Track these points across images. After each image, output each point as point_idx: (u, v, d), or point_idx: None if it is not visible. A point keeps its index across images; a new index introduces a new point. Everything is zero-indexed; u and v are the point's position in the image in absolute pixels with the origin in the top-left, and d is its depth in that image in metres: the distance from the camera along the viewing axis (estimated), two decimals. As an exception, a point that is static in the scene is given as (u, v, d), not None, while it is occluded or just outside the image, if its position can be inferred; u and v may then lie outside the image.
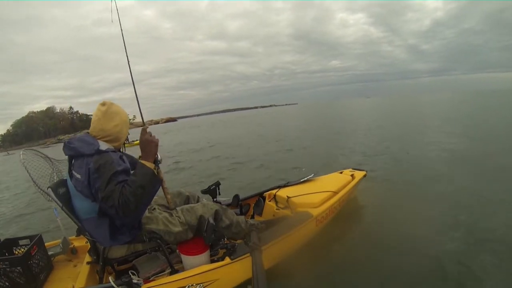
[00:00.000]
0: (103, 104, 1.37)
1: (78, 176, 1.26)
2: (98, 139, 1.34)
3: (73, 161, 1.33)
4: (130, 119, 1.57)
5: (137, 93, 1.69)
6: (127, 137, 1.50)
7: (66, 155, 1.35)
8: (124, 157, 1.41)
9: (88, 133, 1.39)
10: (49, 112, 79.68)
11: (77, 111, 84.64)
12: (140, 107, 1.67)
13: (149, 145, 1.26)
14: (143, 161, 1.24)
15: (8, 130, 75.36)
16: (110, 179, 1.17)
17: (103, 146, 1.30)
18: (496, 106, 15.53)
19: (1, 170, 13.41)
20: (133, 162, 1.65)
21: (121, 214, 1.14)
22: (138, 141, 1.30)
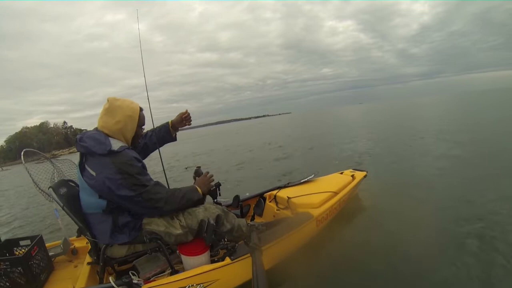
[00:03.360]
0: (107, 100, 1.37)
1: (92, 172, 1.26)
2: (109, 137, 1.33)
3: (85, 156, 1.33)
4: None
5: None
6: (138, 134, 1.45)
7: (78, 151, 1.35)
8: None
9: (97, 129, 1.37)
10: (42, 128, 79.25)
11: (71, 126, 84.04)
12: (147, 120, 1.67)
13: (206, 183, 1.56)
14: (197, 187, 1.51)
15: (1, 146, 74.92)
16: (137, 179, 1.26)
17: (115, 145, 1.29)
18: (487, 105, 15.57)
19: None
20: None
21: (156, 207, 1.33)
22: None
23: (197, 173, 1.73)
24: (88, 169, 1.29)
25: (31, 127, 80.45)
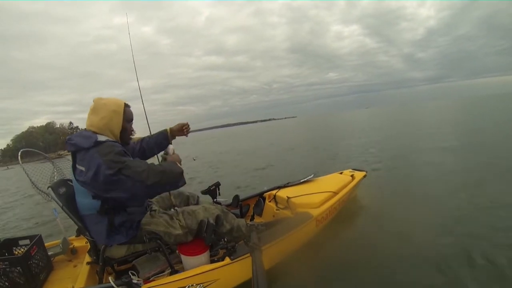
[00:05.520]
0: (93, 101, 1.39)
1: (82, 168, 1.26)
2: (98, 134, 1.34)
3: (76, 156, 1.33)
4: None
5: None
6: (126, 129, 1.45)
7: (68, 151, 1.36)
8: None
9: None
10: (49, 128, 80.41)
11: (77, 127, 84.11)
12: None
13: (178, 160, 1.46)
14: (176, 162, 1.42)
15: (8, 145, 76.22)
16: (114, 157, 1.21)
17: (102, 138, 1.31)
18: (494, 111, 15.55)
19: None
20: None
21: (140, 180, 1.21)
22: None
23: (166, 152, 1.61)
24: (78, 166, 1.29)
25: (37, 127, 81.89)
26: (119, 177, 1.19)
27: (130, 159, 1.27)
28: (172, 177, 1.34)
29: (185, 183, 1.41)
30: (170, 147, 1.63)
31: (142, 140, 1.75)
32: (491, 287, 1.48)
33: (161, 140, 1.75)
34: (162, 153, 1.65)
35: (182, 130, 1.78)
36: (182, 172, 1.39)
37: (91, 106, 1.38)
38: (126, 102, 1.45)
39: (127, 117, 1.45)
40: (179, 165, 1.42)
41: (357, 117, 33.15)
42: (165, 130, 1.77)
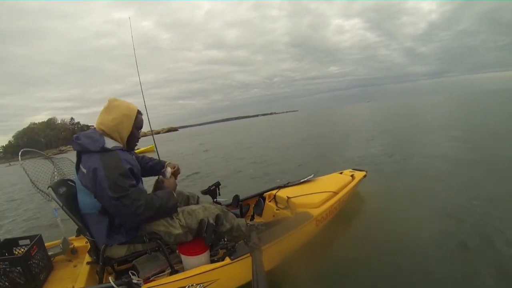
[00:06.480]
0: (108, 101, 1.42)
1: (84, 170, 1.28)
2: (105, 136, 1.35)
3: (81, 156, 1.35)
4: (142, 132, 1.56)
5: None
6: (135, 135, 1.47)
7: (74, 150, 1.37)
8: (133, 156, 1.45)
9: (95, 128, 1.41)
10: (50, 123, 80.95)
11: (78, 122, 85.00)
12: (144, 118, 1.62)
13: (174, 186, 1.56)
14: (172, 192, 1.48)
15: (9, 142, 76.90)
16: (119, 179, 1.23)
17: (110, 144, 1.32)
18: (496, 106, 15.52)
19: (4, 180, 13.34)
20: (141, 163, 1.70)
21: (135, 213, 1.27)
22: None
23: (163, 174, 1.64)
24: (82, 167, 1.31)
25: (38, 123, 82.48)
26: (117, 202, 1.23)
27: (133, 187, 1.28)
28: (166, 211, 1.41)
29: (176, 212, 1.49)
30: (168, 169, 1.65)
31: (143, 158, 1.78)
32: (491, 283, 1.49)
33: (158, 168, 1.77)
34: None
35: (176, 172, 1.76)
36: (176, 204, 1.45)
37: (105, 105, 1.41)
38: (139, 109, 1.48)
39: (138, 123, 1.47)
40: (173, 194, 1.47)
41: (358, 111, 33.09)
42: (164, 162, 1.80)
